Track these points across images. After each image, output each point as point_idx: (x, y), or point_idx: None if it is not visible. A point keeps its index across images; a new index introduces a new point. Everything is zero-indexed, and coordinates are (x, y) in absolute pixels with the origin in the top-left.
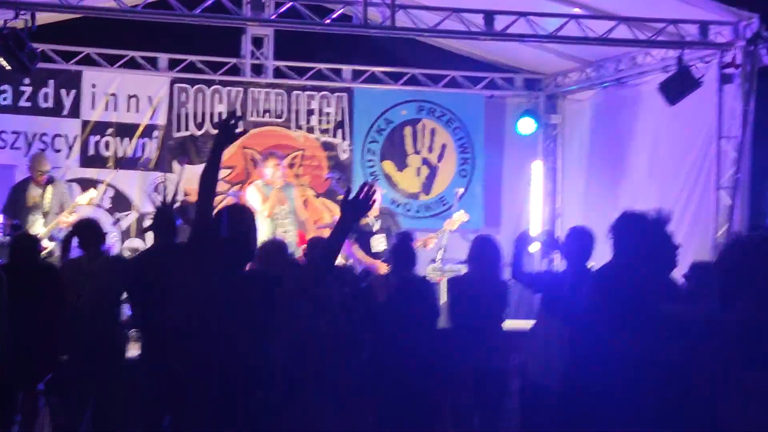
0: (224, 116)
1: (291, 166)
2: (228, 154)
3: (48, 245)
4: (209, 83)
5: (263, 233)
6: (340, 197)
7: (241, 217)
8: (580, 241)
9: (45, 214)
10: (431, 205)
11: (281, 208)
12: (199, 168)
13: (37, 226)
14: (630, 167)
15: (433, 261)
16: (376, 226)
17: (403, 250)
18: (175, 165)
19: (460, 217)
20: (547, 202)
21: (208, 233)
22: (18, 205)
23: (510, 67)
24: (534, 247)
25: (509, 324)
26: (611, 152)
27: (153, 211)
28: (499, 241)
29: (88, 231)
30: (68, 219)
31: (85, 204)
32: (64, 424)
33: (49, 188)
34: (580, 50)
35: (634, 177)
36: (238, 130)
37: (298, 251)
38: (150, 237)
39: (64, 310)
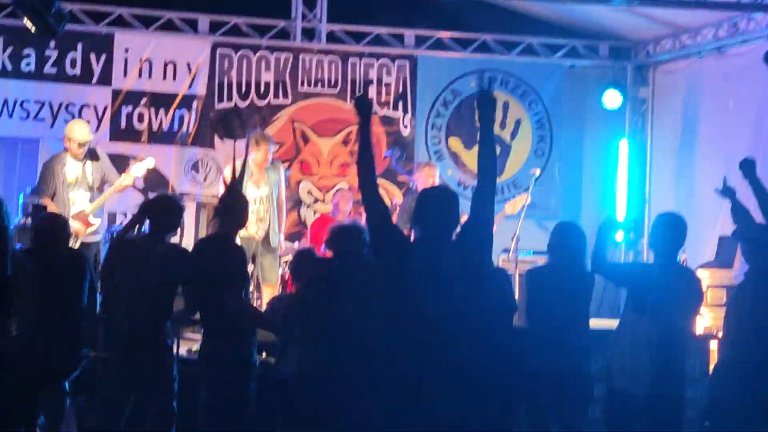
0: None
1: (345, 143)
2: (275, 128)
3: (94, 221)
4: (255, 48)
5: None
6: (402, 178)
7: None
8: (670, 230)
9: (90, 190)
10: (503, 188)
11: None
12: (243, 142)
13: (83, 203)
14: (730, 147)
15: (506, 251)
16: None
17: None
18: (217, 140)
19: (522, 199)
20: (635, 186)
21: (387, 229)
22: (55, 182)
23: (594, 33)
24: (619, 236)
25: (592, 323)
26: (708, 130)
27: (220, 192)
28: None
29: (164, 211)
30: (118, 192)
31: (141, 176)
32: (94, 426)
33: (90, 162)
34: (674, 15)
35: (733, 158)
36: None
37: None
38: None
39: (98, 298)
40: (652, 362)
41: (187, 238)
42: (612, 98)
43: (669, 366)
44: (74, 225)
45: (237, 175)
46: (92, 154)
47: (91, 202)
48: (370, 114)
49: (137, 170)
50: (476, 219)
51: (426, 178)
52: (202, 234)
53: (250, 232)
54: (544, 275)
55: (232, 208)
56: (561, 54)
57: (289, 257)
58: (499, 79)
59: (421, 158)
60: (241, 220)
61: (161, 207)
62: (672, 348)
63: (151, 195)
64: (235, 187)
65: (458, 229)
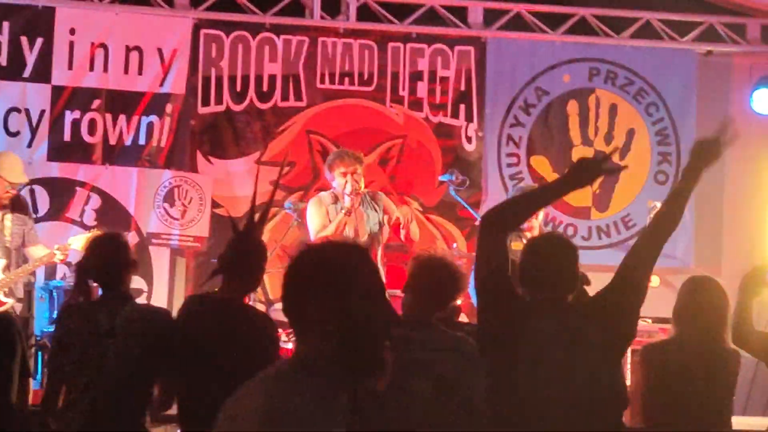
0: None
1: (382, 163)
2: (283, 142)
3: (6, 301)
4: (255, 29)
5: None
6: (464, 212)
7: None
8: None
9: (6, 253)
10: (609, 227)
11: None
12: (238, 164)
13: None
14: None
15: None
16: None
17: None
18: (202, 159)
19: None
20: None
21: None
22: None
23: (739, 8)
24: None
25: (736, 423)
26: None
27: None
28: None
29: (107, 259)
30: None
31: (80, 249)
32: None
33: (10, 214)
34: None
35: None
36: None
37: None
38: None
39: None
40: None
41: (156, 296)
42: (765, 99)
43: None
44: None
45: (260, 214)
46: (17, 204)
47: (3, 273)
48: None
49: (77, 243)
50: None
51: None
52: (179, 293)
53: None
54: (668, 353)
55: (245, 262)
56: (693, 36)
57: None
58: (603, 73)
59: (492, 183)
60: (254, 281)
61: (100, 256)
62: None
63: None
64: (253, 231)
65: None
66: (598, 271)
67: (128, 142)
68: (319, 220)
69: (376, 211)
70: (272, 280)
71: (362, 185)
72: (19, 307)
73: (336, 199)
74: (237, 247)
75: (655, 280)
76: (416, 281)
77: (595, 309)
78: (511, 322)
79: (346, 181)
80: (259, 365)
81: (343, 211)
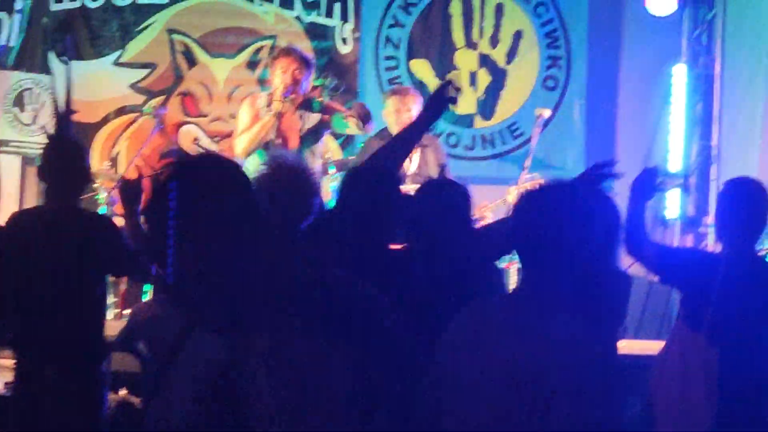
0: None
1: (251, 66)
2: (142, 43)
3: None
4: None
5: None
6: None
7: None
8: (747, 205)
9: None
10: (494, 136)
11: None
12: (95, 65)
13: None
14: None
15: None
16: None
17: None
18: (54, 60)
19: (533, 184)
20: (695, 134)
21: None
22: None
23: None
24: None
25: (624, 346)
26: None
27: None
28: (614, 195)
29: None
30: None
31: None
32: None
33: None
34: None
35: None
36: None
37: None
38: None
39: None
40: (712, 402)
41: (5, 210)
42: (662, 0)
43: (738, 408)
44: None
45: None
46: None
47: None
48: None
49: None
50: None
51: (396, 117)
52: (30, 204)
53: None
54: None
55: (61, 166)
56: None
57: None
58: None
59: (369, 89)
60: (78, 184)
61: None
62: (743, 382)
63: None
64: (63, 131)
65: None
66: (481, 184)
67: None
68: (245, 120)
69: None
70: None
71: (304, 87)
72: None
73: (271, 102)
74: (49, 152)
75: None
76: None
77: None
78: None
79: (282, 80)
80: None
81: (271, 113)
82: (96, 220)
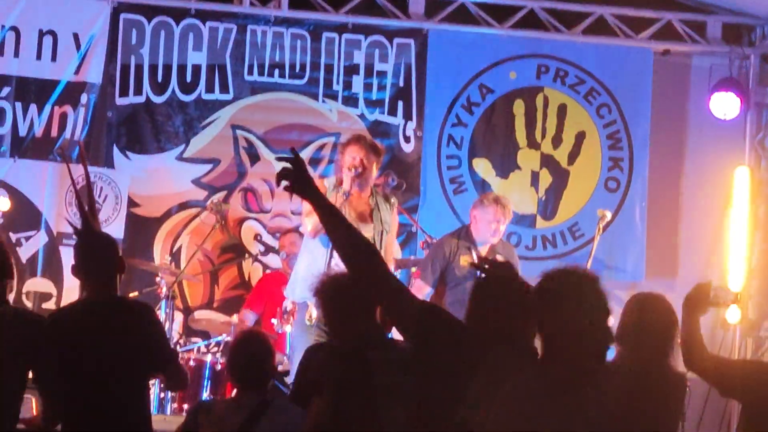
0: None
1: (314, 162)
2: (206, 137)
3: None
4: (179, 14)
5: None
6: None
7: None
8: None
9: None
10: (556, 236)
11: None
12: (158, 160)
13: None
14: None
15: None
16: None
17: None
18: (119, 155)
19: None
20: (757, 237)
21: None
22: None
23: (700, 4)
24: (731, 315)
25: None
26: None
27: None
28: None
29: None
30: None
31: None
32: None
33: None
34: None
35: None
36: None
37: None
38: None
39: None
40: None
41: (66, 301)
42: (725, 104)
43: None
44: None
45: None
46: None
47: None
48: (306, 179)
49: None
50: None
51: (487, 224)
52: None
53: None
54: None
55: (92, 259)
56: (648, 33)
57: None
58: (553, 70)
59: (431, 188)
60: (110, 275)
61: None
62: None
63: (14, 236)
64: (89, 226)
65: None
66: None
67: (39, 134)
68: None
69: (387, 208)
70: (192, 288)
71: (372, 173)
72: None
73: (340, 184)
74: (79, 247)
75: None
76: None
77: None
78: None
79: (352, 164)
80: (147, 352)
81: (341, 192)
82: (138, 309)
